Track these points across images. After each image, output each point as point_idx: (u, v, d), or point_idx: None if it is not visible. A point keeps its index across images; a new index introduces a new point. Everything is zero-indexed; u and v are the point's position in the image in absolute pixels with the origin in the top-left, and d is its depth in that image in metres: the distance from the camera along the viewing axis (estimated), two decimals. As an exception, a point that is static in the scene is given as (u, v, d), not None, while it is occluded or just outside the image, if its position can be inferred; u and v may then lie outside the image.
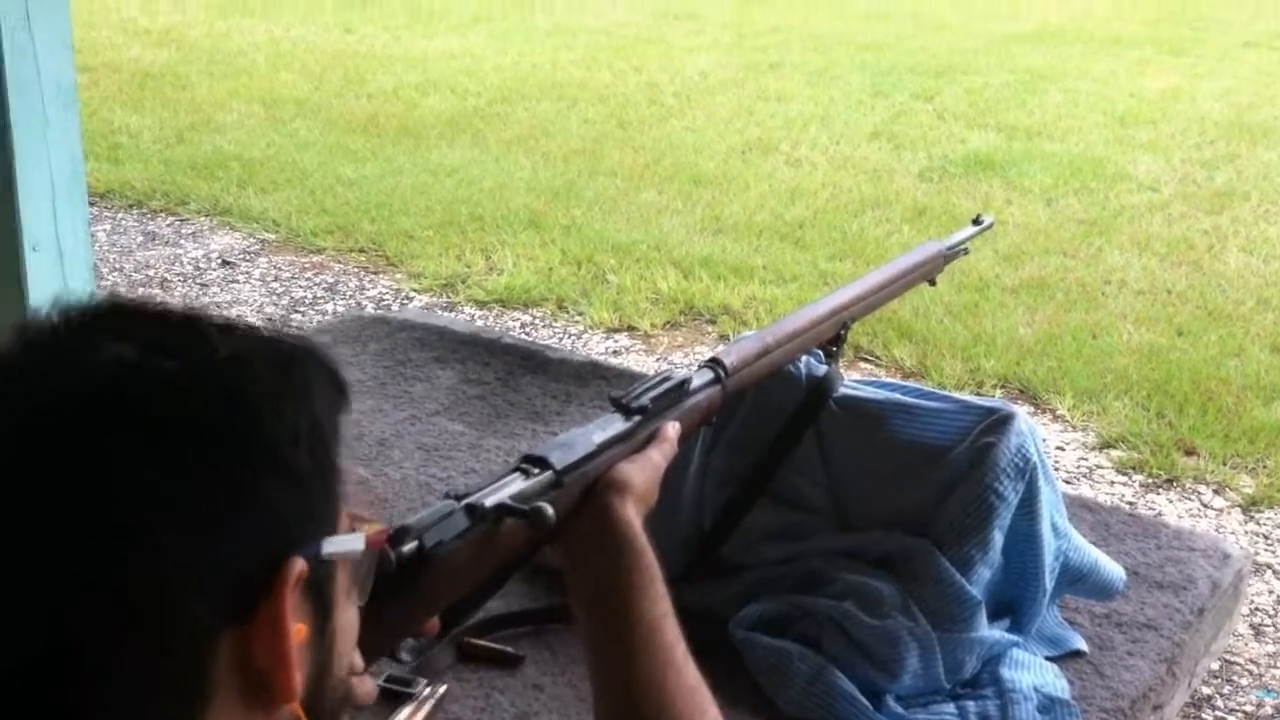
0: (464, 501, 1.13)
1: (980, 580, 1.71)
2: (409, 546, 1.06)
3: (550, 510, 1.15)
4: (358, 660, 0.90)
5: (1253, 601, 3.18)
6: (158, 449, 0.73)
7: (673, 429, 1.36)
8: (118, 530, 0.72)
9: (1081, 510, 2.18)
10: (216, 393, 0.76)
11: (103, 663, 0.72)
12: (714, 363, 1.51)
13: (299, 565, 0.77)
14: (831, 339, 1.77)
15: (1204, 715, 2.82)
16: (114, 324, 0.78)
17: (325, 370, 0.83)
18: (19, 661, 0.72)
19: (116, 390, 0.74)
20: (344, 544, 0.82)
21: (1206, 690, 2.88)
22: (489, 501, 1.14)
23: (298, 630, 0.78)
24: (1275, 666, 2.98)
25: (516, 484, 1.19)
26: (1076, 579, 1.83)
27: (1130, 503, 3.63)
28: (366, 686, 0.94)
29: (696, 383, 1.46)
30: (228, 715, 0.76)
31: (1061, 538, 1.79)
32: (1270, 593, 3.25)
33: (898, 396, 1.81)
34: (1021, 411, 1.75)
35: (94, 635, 0.72)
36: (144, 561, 0.72)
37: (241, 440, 0.76)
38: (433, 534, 1.08)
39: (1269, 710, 2.84)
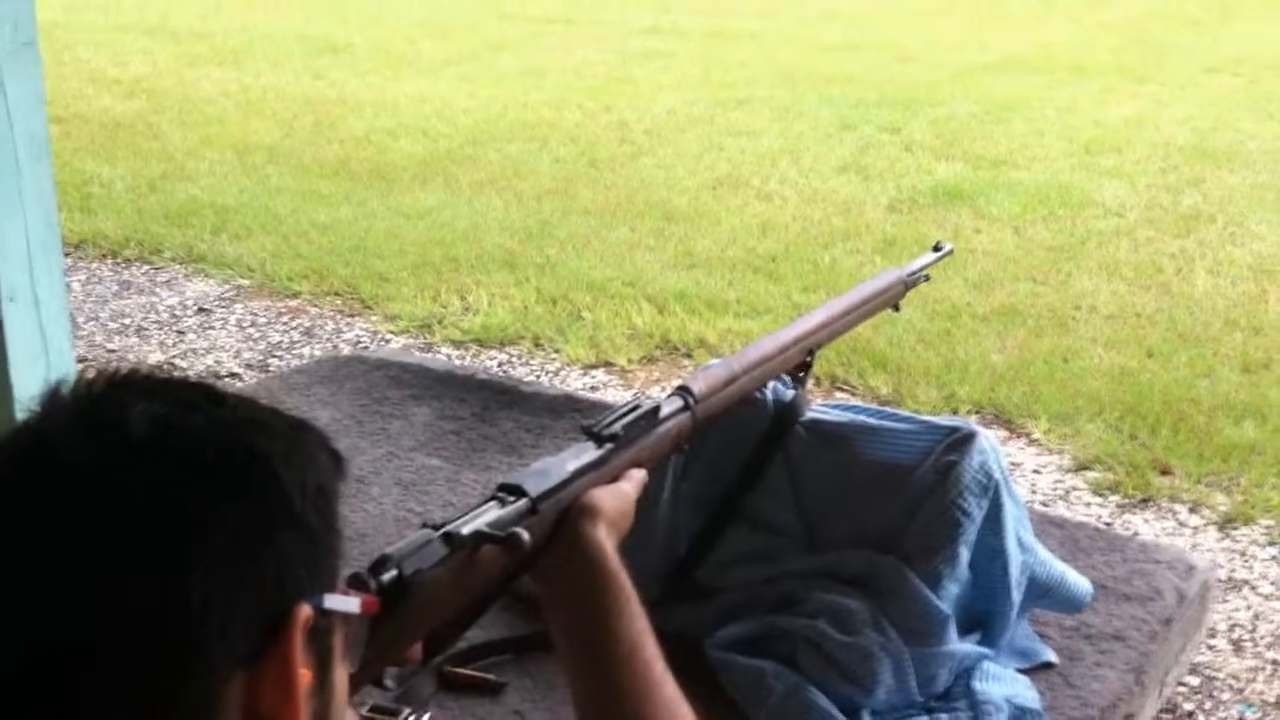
0: (441, 530, 1.15)
1: (949, 595, 1.74)
2: (388, 575, 1.08)
3: (525, 535, 1.17)
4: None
5: (1231, 618, 3.21)
6: (188, 496, 0.77)
7: (640, 473, 1.39)
8: (149, 573, 0.75)
9: (1049, 526, 2.22)
10: (239, 446, 0.82)
11: (119, 704, 0.75)
12: (683, 390, 1.54)
13: (306, 611, 0.81)
14: (799, 365, 1.80)
15: (1187, 731, 2.85)
16: (141, 386, 0.84)
17: (324, 441, 0.89)
18: (32, 695, 0.74)
19: (150, 439, 0.79)
20: (343, 602, 0.86)
21: (1188, 706, 2.90)
22: (466, 529, 1.16)
23: (303, 675, 0.81)
24: (1255, 681, 3.00)
25: (492, 512, 1.21)
26: (1044, 592, 1.86)
27: (1107, 523, 3.66)
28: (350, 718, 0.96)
29: (666, 410, 1.48)
30: None
31: (1027, 552, 1.83)
32: (1249, 609, 3.28)
33: (862, 419, 1.85)
34: (983, 430, 1.79)
35: (116, 674, 0.75)
36: (172, 603, 0.75)
37: (261, 490, 0.81)
38: (411, 562, 1.10)
39: (1249, 724, 2.87)
